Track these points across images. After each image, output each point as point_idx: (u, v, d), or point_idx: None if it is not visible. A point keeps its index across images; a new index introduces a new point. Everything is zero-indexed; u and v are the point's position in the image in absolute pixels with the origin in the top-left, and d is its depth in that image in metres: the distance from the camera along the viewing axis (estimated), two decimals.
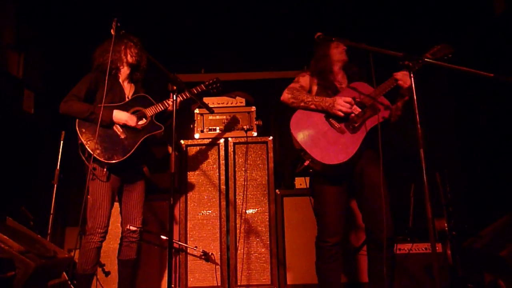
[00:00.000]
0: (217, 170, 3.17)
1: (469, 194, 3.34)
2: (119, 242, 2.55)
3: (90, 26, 3.35)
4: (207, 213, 3.13)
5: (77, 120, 2.38)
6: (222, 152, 3.18)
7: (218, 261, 3.03)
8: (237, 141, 3.20)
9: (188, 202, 3.14)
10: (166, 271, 3.00)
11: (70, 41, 3.85)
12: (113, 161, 2.34)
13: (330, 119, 2.24)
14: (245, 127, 3.20)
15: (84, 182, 2.34)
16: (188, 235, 3.08)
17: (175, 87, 2.19)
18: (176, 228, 3.06)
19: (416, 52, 2.04)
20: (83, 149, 2.36)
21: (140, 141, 2.44)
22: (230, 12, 3.94)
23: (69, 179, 3.41)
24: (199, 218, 3.12)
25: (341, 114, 2.19)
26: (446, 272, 2.81)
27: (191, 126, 3.30)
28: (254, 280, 3.00)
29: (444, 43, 2.21)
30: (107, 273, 2.92)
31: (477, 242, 2.56)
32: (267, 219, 3.09)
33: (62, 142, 2.97)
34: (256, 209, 3.12)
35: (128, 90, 2.61)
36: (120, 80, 2.59)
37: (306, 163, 2.19)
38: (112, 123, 2.43)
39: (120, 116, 2.43)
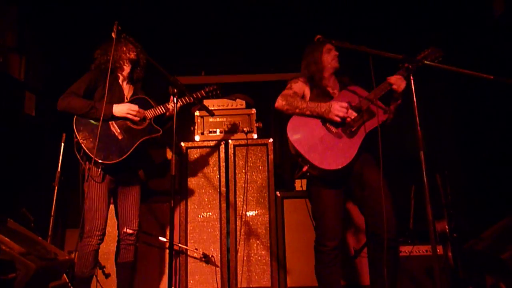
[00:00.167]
0: (217, 172, 3.17)
1: (469, 196, 3.34)
2: (116, 245, 2.54)
3: (91, 29, 3.36)
4: (207, 215, 3.13)
5: (74, 118, 2.36)
6: (222, 154, 3.18)
7: (218, 263, 3.03)
8: (238, 143, 3.21)
9: (189, 204, 3.14)
10: (166, 273, 3.00)
11: (71, 44, 3.86)
12: (108, 162, 2.32)
13: (327, 124, 2.25)
14: (245, 129, 3.21)
15: (83, 183, 2.34)
16: (188, 237, 3.08)
17: (175, 90, 2.20)
18: (176, 230, 3.06)
19: (414, 55, 2.06)
20: (78, 147, 2.33)
21: (137, 143, 2.42)
22: (230, 14, 3.95)
23: (70, 181, 3.41)
24: (199, 220, 3.12)
25: (338, 119, 2.20)
26: (447, 274, 2.80)
27: (192, 128, 3.31)
28: (255, 282, 3.00)
29: (434, 46, 2.23)
30: (107, 275, 2.92)
31: (478, 244, 2.55)
32: (267, 221, 3.09)
33: (63, 144, 2.98)
34: (256, 211, 3.12)
35: (127, 91, 2.60)
36: (120, 81, 2.58)
37: (304, 168, 2.19)
38: (112, 117, 2.41)
39: (120, 108, 2.42)
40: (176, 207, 3.09)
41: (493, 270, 2.41)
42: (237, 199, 3.13)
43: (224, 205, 3.11)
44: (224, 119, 3.29)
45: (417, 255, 2.88)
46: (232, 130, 3.26)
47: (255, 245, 3.06)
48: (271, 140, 3.20)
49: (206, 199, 3.15)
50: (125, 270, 2.47)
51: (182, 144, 3.22)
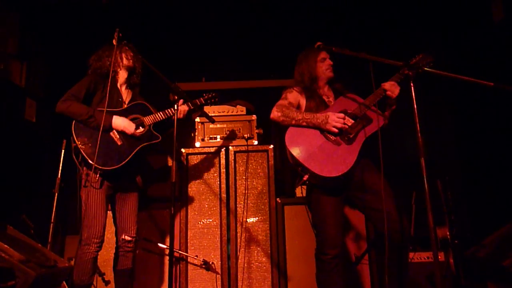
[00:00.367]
0: (218, 178, 3.17)
1: (470, 202, 3.33)
2: (114, 252, 2.53)
3: (93, 36, 3.37)
4: (207, 222, 3.12)
5: (73, 122, 2.34)
6: (222, 161, 3.18)
7: (219, 270, 3.01)
8: (238, 149, 3.21)
9: (189, 211, 3.13)
10: (166, 280, 2.98)
11: (72, 51, 3.88)
12: (107, 168, 2.31)
13: (325, 132, 2.25)
14: (245, 135, 3.21)
15: (80, 189, 2.34)
16: (188, 244, 3.07)
17: (176, 97, 2.20)
18: (176, 237, 3.05)
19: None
20: (77, 152, 2.31)
21: (136, 150, 2.42)
22: (230, 21, 3.97)
23: (70, 188, 3.40)
24: (200, 227, 3.11)
25: (336, 130, 2.20)
26: (449, 281, 2.79)
27: (192, 134, 3.31)
28: None
29: (424, 52, 2.26)
30: (107, 282, 2.90)
31: (479, 251, 2.54)
32: (268, 228, 3.08)
33: (63, 150, 2.98)
34: (257, 218, 3.11)
35: (125, 95, 2.60)
36: (118, 85, 2.58)
37: (305, 177, 2.18)
38: (110, 128, 2.40)
39: (119, 122, 2.41)
40: (177, 213, 3.08)
41: (495, 277, 2.40)
42: (237, 205, 3.12)
43: (224, 212, 3.10)
44: (225, 126, 3.29)
45: (418, 262, 2.86)
46: (232, 136, 3.26)
47: (255, 251, 3.05)
48: (271, 146, 3.20)
49: (206, 206, 3.14)
50: (123, 278, 2.45)
51: (183, 150, 3.22)
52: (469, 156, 3.44)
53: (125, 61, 2.54)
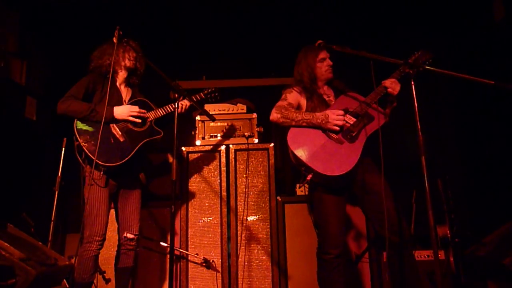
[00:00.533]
0: (218, 177, 3.17)
1: (471, 201, 3.33)
2: (116, 250, 2.53)
3: (93, 34, 3.37)
4: (208, 220, 3.12)
5: (75, 121, 2.35)
6: (223, 159, 3.18)
7: (219, 269, 3.01)
8: (238, 148, 3.20)
9: (189, 209, 3.13)
10: (167, 279, 2.99)
11: (72, 49, 3.87)
12: (110, 164, 2.31)
13: (327, 131, 2.24)
14: (246, 134, 3.21)
15: (84, 187, 2.34)
16: (189, 242, 3.07)
17: (176, 95, 2.20)
18: (177, 235, 3.05)
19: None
20: (80, 150, 2.32)
21: (138, 145, 2.42)
22: (231, 19, 3.97)
23: (70, 186, 3.41)
24: (200, 225, 3.11)
25: (337, 128, 2.19)
26: (449, 279, 2.79)
27: (192, 133, 3.31)
28: (255, 287, 2.98)
29: (423, 49, 2.25)
30: (107, 280, 2.90)
31: (480, 249, 2.55)
32: (268, 226, 3.08)
33: (63, 149, 2.98)
34: (257, 216, 3.11)
35: (125, 94, 2.60)
36: (117, 84, 2.58)
37: (309, 177, 2.17)
38: (113, 120, 2.40)
39: (121, 110, 2.42)
40: (177, 212, 3.09)
41: (495, 275, 2.40)
42: (238, 204, 3.12)
43: (225, 210, 3.10)
44: (225, 124, 3.29)
45: (418, 260, 2.86)
46: (233, 134, 3.26)
47: (256, 250, 3.05)
48: (272, 144, 3.20)
49: (207, 204, 3.14)
50: (124, 276, 2.46)
51: (183, 148, 3.22)
52: (469, 155, 3.44)
53: (126, 62, 2.54)
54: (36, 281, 1.93)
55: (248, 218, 3.10)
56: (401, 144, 3.69)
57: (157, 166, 3.30)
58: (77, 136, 2.32)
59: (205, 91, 2.74)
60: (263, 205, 3.12)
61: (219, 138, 3.26)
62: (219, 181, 3.16)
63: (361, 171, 2.23)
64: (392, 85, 2.22)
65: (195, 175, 3.19)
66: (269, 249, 3.03)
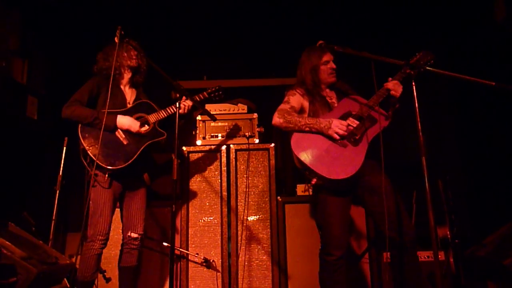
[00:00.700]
0: (219, 176, 3.17)
1: (471, 202, 3.33)
2: (120, 249, 2.54)
3: (94, 33, 3.38)
4: (208, 220, 3.12)
5: (79, 125, 2.39)
6: (224, 159, 3.19)
7: (219, 268, 3.02)
8: (239, 148, 3.21)
9: (190, 209, 3.14)
10: (167, 278, 2.99)
11: (74, 48, 3.88)
12: (115, 167, 2.34)
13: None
14: (247, 134, 3.21)
15: (86, 188, 2.35)
16: (189, 242, 3.08)
17: (178, 95, 2.21)
18: (177, 235, 3.06)
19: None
20: (85, 154, 2.36)
21: (142, 148, 2.45)
22: (232, 19, 3.97)
23: (71, 185, 3.42)
24: (201, 225, 3.12)
25: (337, 137, 2.18)
26: (449, 280, 2.79)
27: (193, 132, 3.31)
28: (255, 287, 2.99)
29: (424, 50, 2.24)
30: (107, 280, 2.90)
31: (480, 250, 2.55)
32: (269, 226, 3.08)
33: (64, 148, 2.99)
34: (258, 216, 3.11)
35: (129, 95, 2.62)
36: (121, 86, 2.60)
37: (313, 181, 2.18)
38: (115, 128, 2.43)
39: (123, 121, 2.44)
40: (177, 211, 3.09)
41: (495, 276, 2.40)
42: (238, 203, 3.12)
43: (225, 210, 3.10)
44: (226, 124, 3.29)
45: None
46: (233, 134, 3.26)
47: (256, 250, 3.05)
48: (272, 145, 3.20)
49: (207, 204, 3.15)
50: (127, 275, 2.47)
51: (184, 148, 3.22)
52: (470, 156, 3.44)
53: (129, 62, 2.56)
54: (37, 280, 1.94)
55: (249, 218, 3.10)
56: (402, 145, 3.69)
57: (158, 166, 3.30)
58: (82, 141, 2.36)
59: (209, 90, 2.74)
60: (263, 205, 3.12)
61: (220, 138, 3.27)
62: (219, 181, 3.16)
63: (366, 173, 2.22)
64: (394, 87, 2.22)
65: (196, 175, 3.20)
66: (269, 249, 3.04)
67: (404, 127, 2.65)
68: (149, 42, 2.87)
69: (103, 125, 2.26)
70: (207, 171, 3.20)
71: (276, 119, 2.31)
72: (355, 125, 2.22)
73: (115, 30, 2.28)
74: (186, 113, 2.61)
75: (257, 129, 3.24)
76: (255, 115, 3.30)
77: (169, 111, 2.55)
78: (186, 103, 2.55)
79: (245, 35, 4.10)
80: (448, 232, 2.84)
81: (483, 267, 2.51)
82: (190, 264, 3.04)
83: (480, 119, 3.33)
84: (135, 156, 2.40)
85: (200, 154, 3.24)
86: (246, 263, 3.01)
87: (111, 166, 2.34)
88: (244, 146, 3.21)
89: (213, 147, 3.23)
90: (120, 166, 2.35)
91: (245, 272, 3.00)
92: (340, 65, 2.46)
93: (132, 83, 2.65)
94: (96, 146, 2.32)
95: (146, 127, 2.51)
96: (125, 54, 2.54)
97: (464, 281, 2.71)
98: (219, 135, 3.27)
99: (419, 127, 1.87)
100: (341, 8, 3.83)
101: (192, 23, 3.99)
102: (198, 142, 3.26)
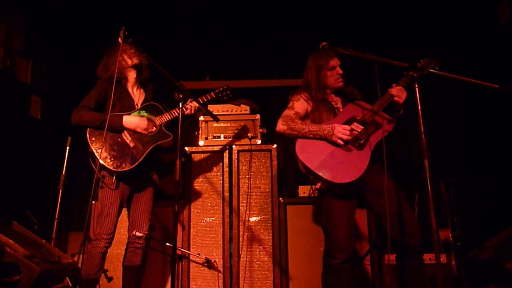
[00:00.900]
0: (221, 177, 3.18)
1: (474, 204, 3.32)
2: (124, 248, 2.56)
3: (98, 33, 3.39)
4: (210, 220, 3.13)
5: (87, 129, 2.42)
6: (226, 160, 3.19)
7: (221, 269, 3.02)
8: (241, 148, 3.21)
9: (192, 209, 3.14)
10: (169, 278, 2.99)
11: (78, 48, 3.90)
12: (122, 170, 2.37)
13: None
14: (249, 135, 3.22)
15: (89, 187, 2.36)
16: (191, 242, 3.08)
17: (181, 95, 2.22)
18: (179, 235, 3.06)
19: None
20: (93, 157, 2.40)
21: (148, 150, 2.47)
22: (235, 20, 3.98)
23: (74, 185, 3.43)
24: (202, 225, 3.12)
25: (341, 142, 2.18)
26: (451, 283, 2.78)
27: (196, 133, 3.32)
28: None
29: (429, 57, 2.24)
30: (109, 279, 2.91)
31: (482, 253, 2.54)
32: (270, 227, 3.08)
33: (68, 147, 3.00)
34: (260, 217, 3.12)
35: (138, 97, 2.64)
36: (129, 88, 2.62)
37: (318, 185, 2.19)
38: (123, 128, 2.46)
39: (130, 120, 2.47)
40: (179, 211, 3.10)
41: (497, 279, 2.39)
42: (240, 204, 3.13)
43: (227, 210, 3.11)
44: (229, 125, 3.30)
45: None
46: (236, 135, 3.27)
47: (257, 250, 3.06)
48: (275, 146, 3.20)
49: (209, 204, 3.15)
50: (130, 274, 2.48)
51: (186, 148, 3.23)
52: (472, 158, 3.43)
53: (129, 62, 2.58)
54: (39, 278, 1.95)
55: (250, 218, 3.11)
56: (405, 147, 3.69)
57: (163, 164, 3.31)
58: (90, 144, 2.40)
59: (216, 90, 2.75)
60: (265, 206, 3.13)
61: (222, 138, 3.27)
62: (221, 181, 3.17)
63: (372, 176, 2.22)
64: (398, 93, 2.23)
65: (198, 176, 3.20)
66: (271, 250, 3.04)
67: (407, 129, 2.65)
68: (152, 43, 2.89)
69: (106, 124, 2.28)
70: (209, 172, 3.21)
71: (280, 126, 2.32)
72: (359, 130, 2.22)
73: (118, 31, 2.29)
74: (192, 114, 2.63)
75: (259, 130, 3.25)
76: (258, 116, 3.30)
77: (173, 114, 2.57)
78: (192, 104, 2.57)
79: (248, 36, 4.11)
80: (450, 235, 2.83)
81: (485, 270, 2.50)
82: (192, 265, 3.04)
83: (483, 122, 3.33)
84: (141, 158, 2.43)
85: (202, 155, 3.25)
86: (247, 264, 3.02)
87: (118, 169, 2.37)
88: (247, 147, 3.21)
89: (215, 147, 3.23)
90: (127, 168, 2.38)
91: (247, 273, 3.00)
92: (343, 66, 2.46)
93: (140, 82, 2.67)
94: (104, 149, 2.37)
95: (154, 128, 2.54)
96: (126, 56, 2.55)
97: (466, 284, 2.70)
98: (222, 135, 3.28)
99: (422, 130, 1.87)
100: (344, 9, 3.83)
101: (195, 24, 4.00)
102: (201, 143, 3.27)
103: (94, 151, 2.38)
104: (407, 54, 2.31)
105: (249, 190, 3.14)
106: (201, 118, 3.32)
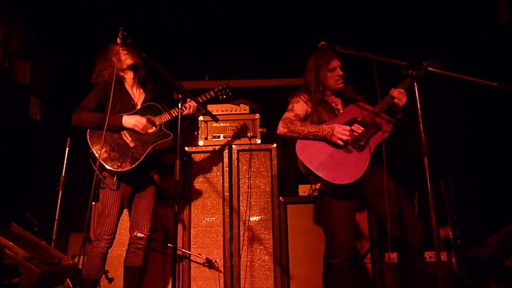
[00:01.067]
0: (221, 177, 3.18)
1: (473, 202, 3.32)
2: (125, 248, 2.56)
3: (97, 34, 3.39)
4: (210, 220, 3.13)
5: (88, 131, 2.42)
6: (226, 159, 3.19)
7: (221, 269, 3.02)
8: (241, 148, 3.21)
9: (192, 209, 3.14)
10: (169, 278, 2.99)
11: (76, 49, 3.89)
12: (122, 170, 2.37)
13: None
14: (249, 134, 3.22)
15: (89, 188, 2.36)
16: (191, 242, 3.08)
17: (180, 95, 2.21)
18: (179, 235, 3.06)
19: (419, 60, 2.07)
20: (94, 158, 2.40)
21: (148, 150, 2.47)
22: (234, 19, 3.97)
23: (74, 186, 3.43)
24: (203, 225, 3.12)
25: (341, 143, 2.18)
26: (451, 281, 2.79)
27: (195, 133, 3.32)
28: (258, 287, 2.99)
29: (431, 58, 2.24)
30: (110, 280, 2.91)
31: (482, 251, 2.55)
32: (271, 227, 3.08)
33: (67, 149, 3.00)
34: (260, 217, 3.12)
35: (137, 97, 2.64)
36: (128, 88, 2.62)
37: (317, 186, 2.20)
38: (122, 128, 2.46)
39: (129, 120, 2.48)
40: (180, 212, 3.10)
41: (497, 277, 2.40)
42: (240, 204, 3.13)
43: (227, 210, 3.11)
44: (228, 124, 3.30)
45: None
46: (235, 135, 3.27)
47: (258, 250, 3.06)
48: (274, 145, 3.20)
49: (209, 204, 3.15)
50: (131, 275, 2.48)
51: (186, 148, 3.23)
52: (472, 156, 3.44)
53: (124, 63, 2.57)
54: (39, 280, 1.95)
55: (251, 218, 3.11)
56: (404, 146, 3.69)
57: (164, 164, 3.31)
58: (90, 146, 2.40)
59: (215, 89, 2.76)
60: (265, 205, 3.13)
61: (222, 138, 3.27)
62: (221, 181, 3.17)
63: (372, 177, 2.22)
64: (399, 95, 2.23)
65: (198, 176, 3.20)
66: (271, 250, 3.04)
67: (406, 127, 2.65)
68: (151, 43, 2.88)
69: (106, 124, 2.28)
70: (209, 172, 3.21)
71: (281, 129, 2.33)
72: (360, 131, 2.22)
73: (117, 31, 2.29)
74: (192, 114, 2.63)
75: (259, 130, 3.25)
76: (257, 116, 3.30)
77: (172, 113, 2.57)
78: (191, 104, 2.58)
79: (247, 35, 4.11)
80: (450, 233, 2.84)
81: (485, 267, 2.51)
82: (192, 265, 3.04)
83: (482, 120, 3.33)
84: (141, 158, 2.43)
85: (202, 155, 3.24)
86: (248, 264, 3.02)
87: (118, 169, 2.37)
88: (246, 147, 3.21)
89: (215, 147, 3.23)
90: (127, 169, 2.38)
91: (247, 273, 3.01)
92: (343, 67, 2.45)
93: (138, 82, 2.67)
94: (104, 149, 2.37)
95: (153, 128, 2.54)
96: (119, 57, 2.54)
97: (466, 281, 2.71)
98: (221, 135, 3.28)
99: (421, 128, 1.87)
100: (344, 8, 3.83)
101: (194, 23, 4.00)
102: (200, 143, 3.26)
103: (95, 152, 2.38)
104: (407, 54, 2.31)
105: (249, 190, 3.14)
106: (201, 118, 3.32)
